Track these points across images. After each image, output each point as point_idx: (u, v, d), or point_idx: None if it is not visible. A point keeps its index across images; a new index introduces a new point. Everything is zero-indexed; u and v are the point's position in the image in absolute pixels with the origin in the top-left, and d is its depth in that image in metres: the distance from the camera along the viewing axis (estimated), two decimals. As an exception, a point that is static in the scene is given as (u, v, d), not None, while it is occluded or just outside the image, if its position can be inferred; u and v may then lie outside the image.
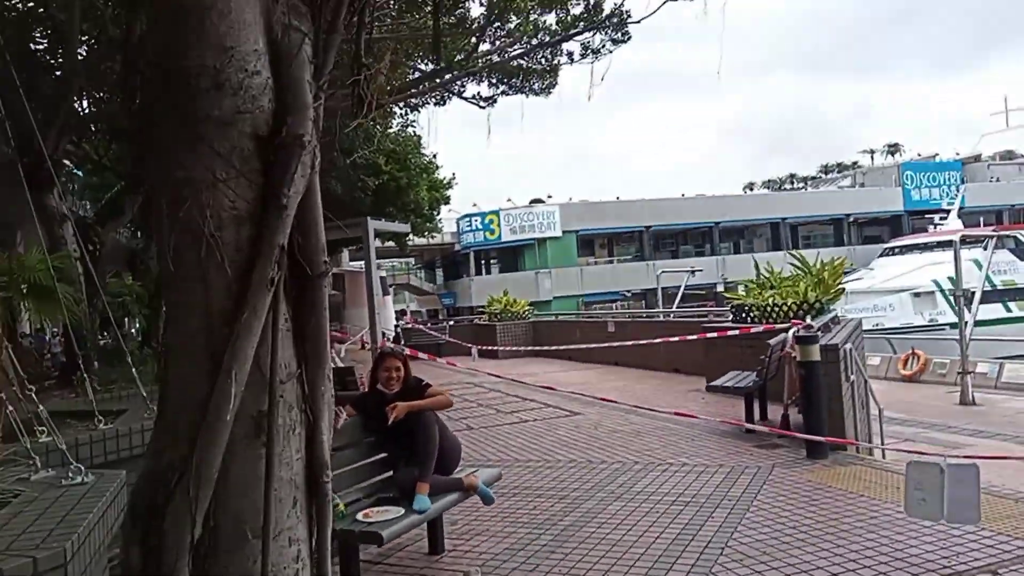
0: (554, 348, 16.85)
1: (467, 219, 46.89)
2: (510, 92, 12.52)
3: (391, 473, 4.54)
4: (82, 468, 3.70)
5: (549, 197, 49.26)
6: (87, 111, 11.16)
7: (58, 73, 9.93)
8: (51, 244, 8.91)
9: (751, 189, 71.71)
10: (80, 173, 14.35)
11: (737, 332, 9.97)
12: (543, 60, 12.11)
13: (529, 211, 46.03)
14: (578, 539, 4.67)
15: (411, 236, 26.85)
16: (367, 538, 3.78)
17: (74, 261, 8.53)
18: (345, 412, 4.40)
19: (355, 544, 3.89)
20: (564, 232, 45.03)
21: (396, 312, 22.39)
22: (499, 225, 45.33)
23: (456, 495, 4.47)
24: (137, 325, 14.11)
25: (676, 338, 12.48)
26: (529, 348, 18.55)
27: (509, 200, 49.04)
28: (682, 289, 31.58)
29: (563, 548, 4.52)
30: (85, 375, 6.67)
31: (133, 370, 6.53)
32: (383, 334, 20.91)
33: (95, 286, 8.89)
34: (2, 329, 5.76)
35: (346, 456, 4.43)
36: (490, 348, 18.97)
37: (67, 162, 11.49)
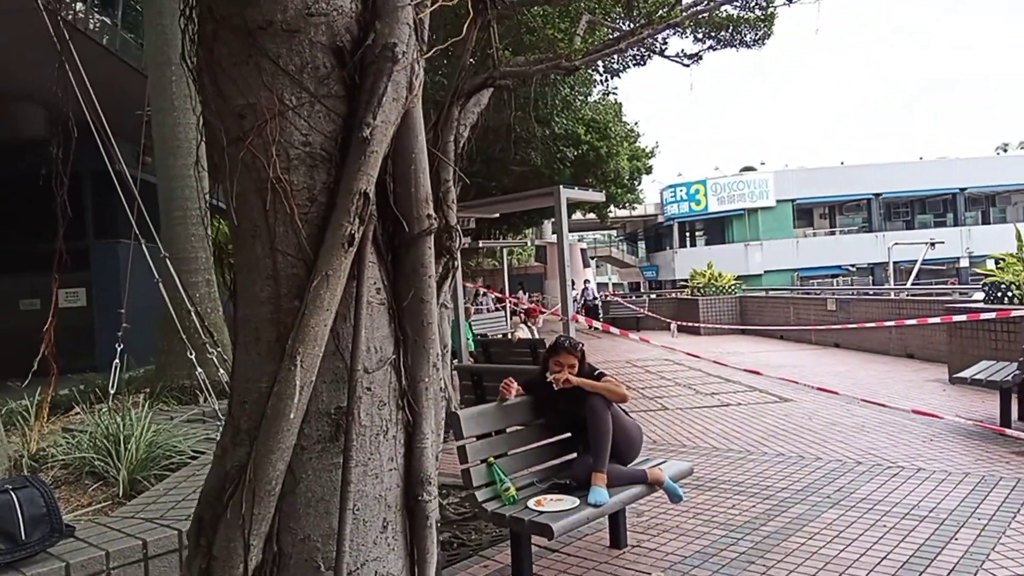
0: (763, 327, 15.56)
1: (671, 189, 45.27)
2: (718, 47, 11.45)
3: (567, 458, 4.18)
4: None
5: (762, 164, 46.09)
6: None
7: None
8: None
9: (1005, 150, 61.31)
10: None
11: (993, 315, 8.35)
12: (757, 7, 10.90)
13: (739, 179, 43.34)
14: (784, 550, 3.99)
15: (611, 208, 26.25)
16: (537, 529, 3.45)
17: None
18: (514, 389, 4.10)
19: (526, 533, 3.58)
20: (778, 201, 41.84)
21: (582, 286, 22.01)
22: (705, 195, 43.23)
23: (638, 488, 4.00)
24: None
25: (914, 321, 10.85)
26: (735, 326, 17.35)
27: (717, 169, 46.62)
28: (919, 263, 27.92)
29: (765, 558, 3.88)
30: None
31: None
32: (587, 304, 20.70)
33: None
34: (225, 295, 6.21)
35: (517, 437, 4.14)
36: (691, 324, 18.02)
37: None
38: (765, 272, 39.63)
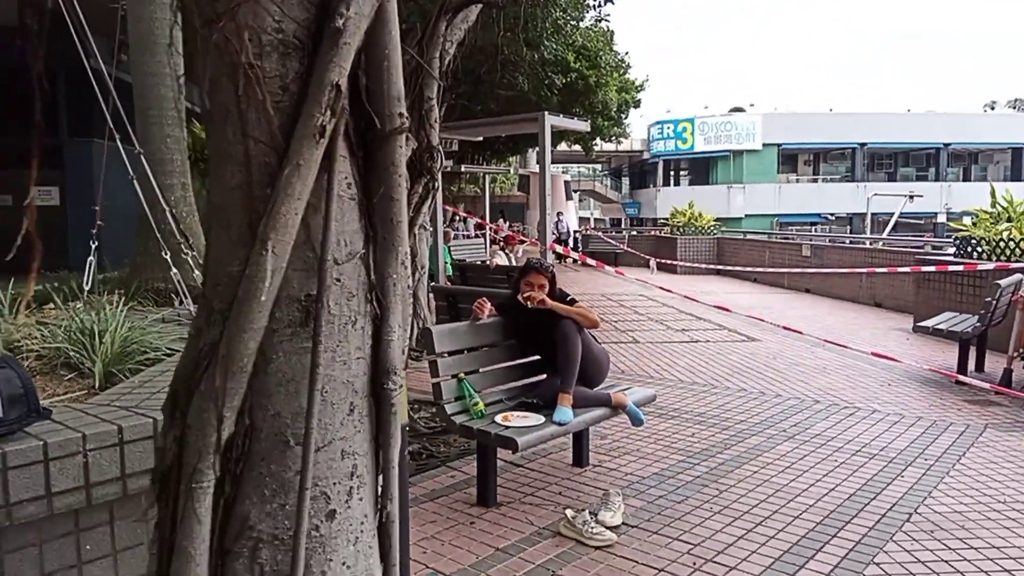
0: (738, 268, 15.76)
1: (658, 126, 44.79)
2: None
3: (535, 379, 4.30)
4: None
5: (751, 106, 45.61)
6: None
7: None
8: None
9: (992, 108, 61.02)
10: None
11: (961, 268, 8.54)
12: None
13: (727, 120, 42.94)
14: (737, 476, 4.19)
15: (597, 141, 25.95)
16: (502, 442, 3.58)
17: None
18: (487, 309, 4.18)
19: (492, 446, 3.72)
20: (764, 145, 41.64)
21: (556, 219, 21.84)
22: (692, 134, 42.86)
23: (602, 411, 4.14)
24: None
25: (884, 269, 11.07)
26: (711, 266, 17.54)
27: (706, 108, 46.09)
28: (896, 215, 28.23)
29: (719, 483, 4.07)
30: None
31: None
32: (561, 236, 20.73)
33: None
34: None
35: (487, 356, 4.24)
36: (669, 262, 18.19)
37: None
38: (746, 216, 39.78)
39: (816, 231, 39.00)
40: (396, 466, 1.31)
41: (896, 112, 44.68)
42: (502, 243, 11.33)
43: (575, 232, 23.46)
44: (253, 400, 1.17)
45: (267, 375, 1.18)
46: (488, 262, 10.00)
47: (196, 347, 1.21)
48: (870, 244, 15.60)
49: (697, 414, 5.53)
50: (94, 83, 4.01)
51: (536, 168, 36.39)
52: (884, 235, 23.05)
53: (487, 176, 18.86)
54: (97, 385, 2.97)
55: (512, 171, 37.37)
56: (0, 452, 2.04)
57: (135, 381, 2.90)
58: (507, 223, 24.81)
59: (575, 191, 44.65)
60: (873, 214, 29.27)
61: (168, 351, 3.38)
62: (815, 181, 45.08)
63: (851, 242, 17.48)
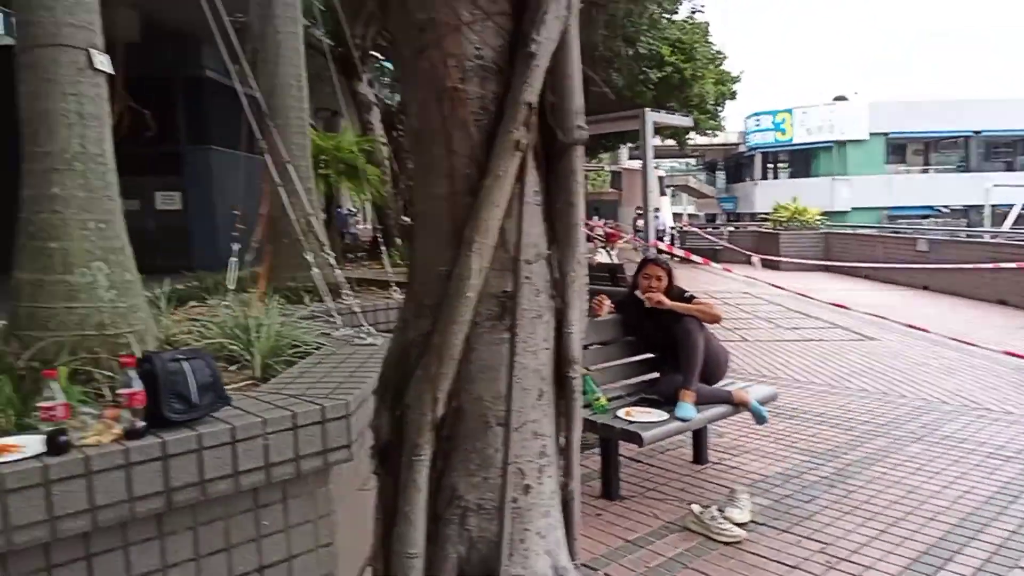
0: (848, 264, 15.16)
1: (755, 117, 43.39)
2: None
3: (654, 375, 4.36)
4: (372, 330, 4.06)
5: (855, 94, 43.45)
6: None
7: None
8: (362, 129, 9.93)
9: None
10: (388, 65, 15.65)
11: (1103, 261, 7.95)
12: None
13: (830, 109, 41.08)
14: (866, 477, 4.10)
15: (692, 134, 25.48)
16: (627, 436, 3.67)
17: (380, 146, 9.41)
18: (606, 306, 4.27)
19: (615, 439, 3.81)
20: (871, 135, 39.58)
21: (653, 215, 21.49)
22: (792, 125, 41.28)
23: (724, 408, 4.15)
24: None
25: (1013, 264, 10.41)
26: (818, 262, 16.93)
27: (807, 98, 44.22)
28: (1018, 207, 26.25)
29: (847, 483, 4.00)
30: (384, 249, 7.44)
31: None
32: (657, 234, 20.52)
33: (398, 171, 9.78)
34: (322, 203, 6.53)
35: (609, 352, 4.32)
36: (771, 258, 17.68)
37: (376, 54, 12.47)
38: (853, 209, 37.97)
39: (928, 224, 36.84)
40: (577, 447, 1.43)
41: (1014, 98, 41.44)
42: (603, 240, 11.36)
43: (671, 228, 23.13)
44: (459, 385, 1.32)
45: (471, 363, 1.33)
46: (589, 259, 10.08)
47: (405, 337, 1.37)
48: (991, 238, 14.66)
49: (817, 414, 5.42)
50: (242, 98, 4.35)
51: (628, 164, 36.04)
52: (1005, 227, 21.55)
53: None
54: (259, 376, 3.25)
55: (604, 167, 37.18)
56: (196, 434, 2.30)
57: (294, 372, 3.16)
58: (603, 220, 24.75)
59: (668, 186, 43.89)
60: (992, 206, 27.37)
61: (316, 344, 3.64)
62: (926, 172, 42.52)
63: (969, 236, 16.47)
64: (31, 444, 2.10)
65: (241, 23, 6.41)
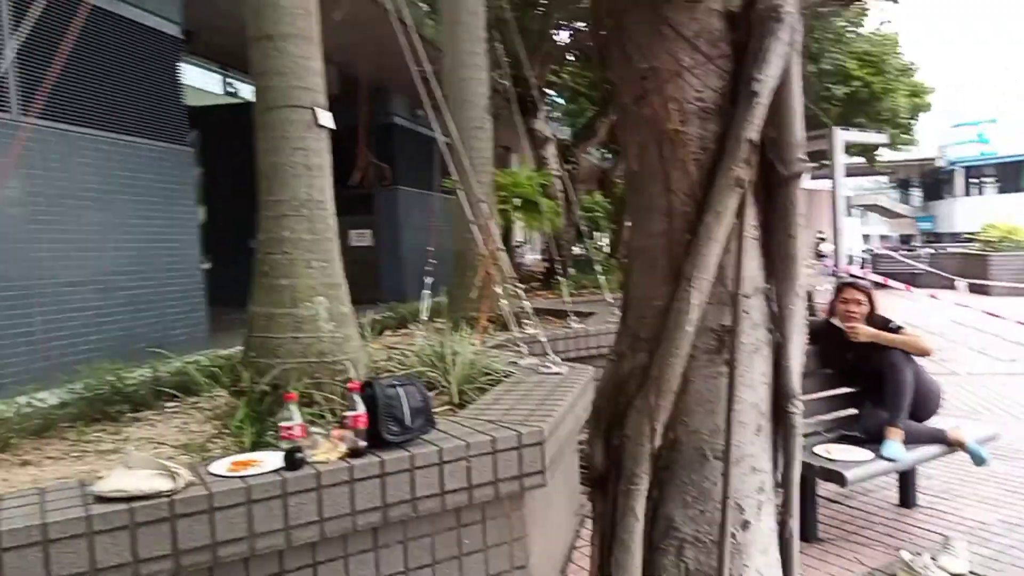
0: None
1: (954, 129, 39.40)
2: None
3: (854, 411, 4.08)
4: (558, 359, 4.17)
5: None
6: (564, 42, 12.30)
7: (541, 8, 11.05)
8: (537, 163, 10.27)
9: None
10: (561, 100, 16.05)
11: None
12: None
13: (1046, 116, 36.41)
14: (1115, 534, 3.58)
15: (882, 150, 23.61)
16: (828, 475, 3.46)
17: (555, 179, 9.66)
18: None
19: (814, 478, 3.61)
20: (1101, 142, 34.59)
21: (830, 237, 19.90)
22: (998, 135, 37.01)
23: (936, 448, 3.80)
24: (605, 238, 15.48)
25: None
26: (1037, 286, 14.99)
27: (1014, 106, 39.62)
28: None
29: (1088, 538, 3.52)
30: (561, 279, 7.60)
31: (601, 278, 7.18)
32: (849, 258, 19.14)
33: (571, 202, 9.98)
34: (500, 236, 6.83)
35: (804, 385, 4.11)
36: (980, 283, 15.90)
37: (549, 91, 12.89)
38: (1077, 227, 33.19)
39: None
40: (796, 484, 1.40)
41: None
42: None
43: (862, 252, 21.48)
44: (676, 417, 1.35)
45: (688, 395, 1.35)
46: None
47: (621, 369, 1.42)
48: None
49: (1047, 458, 4.80)
50: (439, 139, 4.68)
51: (806, 184, 33.99)
52: None
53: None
54: (455, 402, 3.45)
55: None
56: (409, 455, 2.49)
57: (488, 398, 3.32)
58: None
59: (854, 207, 40.89)
60: None
61: (505, 372, 3.80)
62: None
63: None
64: (269, 460, 2.37)
65: (434, 71, 6.92)
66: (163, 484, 2.10)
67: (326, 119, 3.58)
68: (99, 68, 6.05)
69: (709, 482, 1.34)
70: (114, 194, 6.19)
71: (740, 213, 1.34)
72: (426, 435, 2.62)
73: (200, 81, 10.90)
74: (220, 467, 2.31)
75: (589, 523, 3.70)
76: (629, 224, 1.46)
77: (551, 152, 10.58)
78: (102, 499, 2.06)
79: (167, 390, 3.75)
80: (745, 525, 1.33)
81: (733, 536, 1.33)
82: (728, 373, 1.34)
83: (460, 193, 5.21)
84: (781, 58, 1.32)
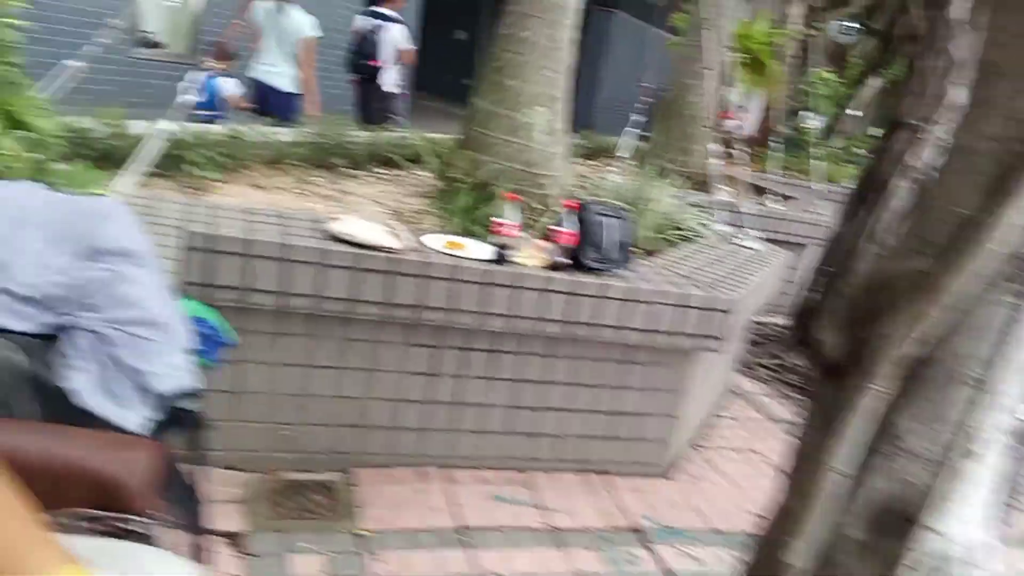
0: None
1: None
2: None
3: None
4: (755, 235, 4.02)
5: None
6: None
7: None
8: (779, 20, 9.27)
9: None
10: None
11: None
12: None
13: None
14: None
15: None
16: None
17: (792, 41, 8.75)
18: None
19: None
20: None
21: None
22: None
23: None
24: (821, 120, 14.07)
25: None
26: None
27: None
28: None
29: None
30: (772, 153, 7.09)
31: (814, 162, 6.65)
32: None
33: (802, 72, 9.09)
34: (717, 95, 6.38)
35: None
36: None
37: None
38: None
39: None
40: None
41: None
42: None
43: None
44: (940, 332, 1.28)
45: (959, 315, 1.27)
46: None
47: (893, 266, 1.33)
48: None
49: None
50: None
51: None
52: None
53: None
54: (641, 248, 3.44)
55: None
56: (601, 283, 2.54)
57: (678, 254, 3.29)
58: None
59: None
60: None
61: (696, 232, 3.72)
62: None
63: None
64: (474, 248, 2.51)
65: None
66: (390, 241, 2.29)
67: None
68: None
69: (950, 404, 1.28)
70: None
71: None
72: (620, 270, 2.66)
73: None
74: (435, 242, 2.48)
75: (736, 400, 3.74)
76: (909, 118, 1.30)
77: (796, 11, 9.50)
78: (335, 238, 2.29)
79: (390, 155, 3.99)
80: (968, 454, 1.29)
81: (955, 462, 1.29)
82: (1013, 305, 1.24)
83: (693, 34, 4.85)
84: None
